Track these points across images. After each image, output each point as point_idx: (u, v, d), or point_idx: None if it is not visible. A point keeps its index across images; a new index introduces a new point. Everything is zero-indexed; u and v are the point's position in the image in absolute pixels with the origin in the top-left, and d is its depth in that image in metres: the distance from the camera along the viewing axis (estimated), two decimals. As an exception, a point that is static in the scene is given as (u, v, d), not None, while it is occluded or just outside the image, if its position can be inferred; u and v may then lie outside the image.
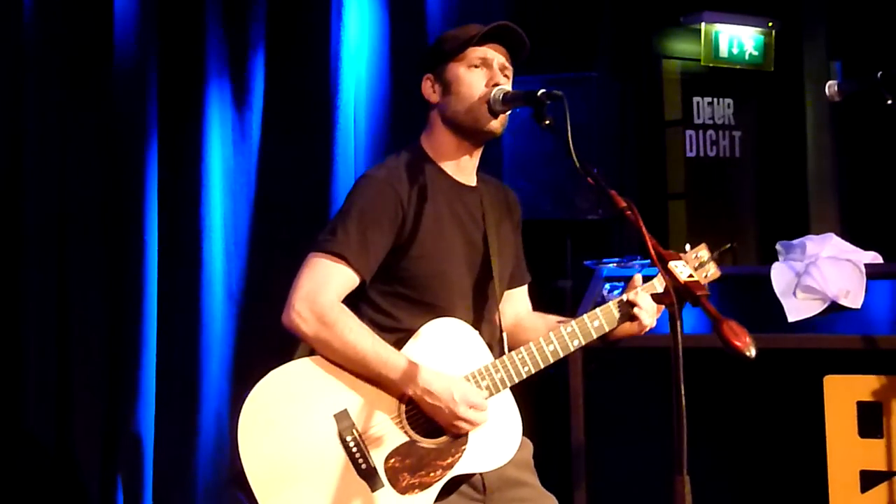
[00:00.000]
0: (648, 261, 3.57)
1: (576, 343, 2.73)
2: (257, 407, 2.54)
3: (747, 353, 1.99)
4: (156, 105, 4.30)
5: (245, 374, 2.61)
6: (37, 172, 4.08)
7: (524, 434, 2.73)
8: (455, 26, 2.89)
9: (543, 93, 2.55)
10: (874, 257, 3.85)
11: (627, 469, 3.80)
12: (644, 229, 2.21)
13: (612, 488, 3.83)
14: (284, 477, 2.51)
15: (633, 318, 2.76)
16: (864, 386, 3.54)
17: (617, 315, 2.77)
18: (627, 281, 2.89)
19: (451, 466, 2.62)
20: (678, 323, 2.07)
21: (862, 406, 3.54)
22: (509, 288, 2.93)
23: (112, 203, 4.23)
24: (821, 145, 6.86)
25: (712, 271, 2.94)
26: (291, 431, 2.55)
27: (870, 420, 3.53)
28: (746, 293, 3.79)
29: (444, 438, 2.63)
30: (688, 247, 2.93)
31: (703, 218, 6.95)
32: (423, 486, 2.59)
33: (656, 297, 2.79)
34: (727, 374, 3.57)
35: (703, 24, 6.53)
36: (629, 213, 2.29)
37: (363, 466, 2.55)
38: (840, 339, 3.62)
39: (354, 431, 2.57)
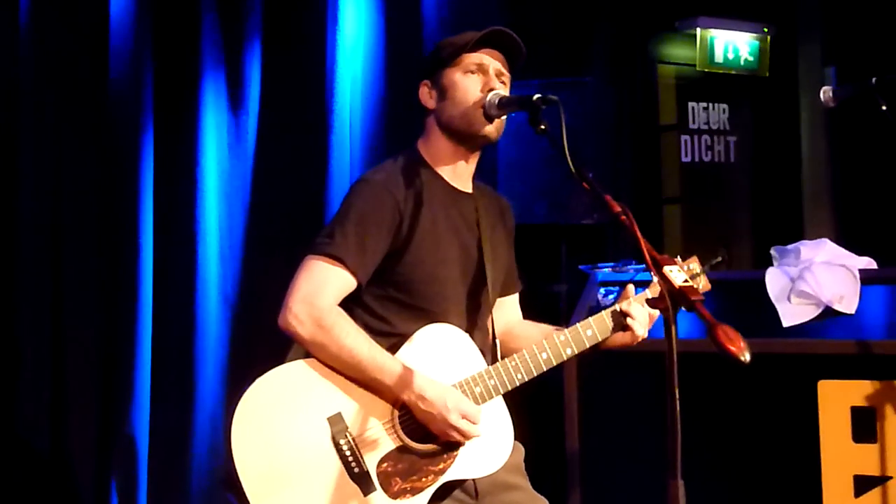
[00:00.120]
0: (643, 265, 3.57)
1: (568, 351, 2.74)
2: (251, 409, 2.54)
3: (742, 358, 1.99)
4: (151, 108, 4.31)
5: (240, 377, 2.60)
6: (32, 175, 4.08)
7: (516, 438, 2.74)
8: (451, 30, 2.90)
9: (539, 97, 2.55)
10: (868, 263, 3.86)
11: (622, 473, 3.80)
12: (639, 234, 2.21)
13: (607, 493, 3.83)
14: (277, 479, 2.51)
15: (626, 327, 2.78)
16: (857, 391, 3.54)
17: (610, 325, 2.79)
18: (622, 285, 2.89)
19: (442, 472, 2.62)
20: (673, 327, 2.07)
21: (856, 411, 3.54)
22: (501, 296, 2.94)
23: (107, 206, 4.23)
24: (815, 151, 6.87)
25: (703, 283, 2.95)
26: (284, 433, 2.54)
27: (863, 425, 3.53)
28: (741, 298, 3.79)
29: (436, 444, 2.63)
30: (679, 259, 2.93)
31: (698, 223, 6.96)
32: (415, 492, 2.60)
33: (651, 302, 2.80)
34: (722, 379, 3.58)
35: (698, 29, 6.54)
36: (624, 217, 2.29)
37: (356, 470, 2.55)
38: (834, 345, 3.63)
39: (348, 435, 2.57)
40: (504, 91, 2.75)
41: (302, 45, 4.64)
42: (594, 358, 2.84)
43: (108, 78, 4.23)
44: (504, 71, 2.78)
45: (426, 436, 2.63)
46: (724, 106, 7.03)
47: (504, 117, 2.75)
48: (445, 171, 2.80)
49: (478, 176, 2.89)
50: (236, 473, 2.49)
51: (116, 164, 4.25)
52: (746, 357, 2.00)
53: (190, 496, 4.35)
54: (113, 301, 4.24)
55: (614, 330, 2.79)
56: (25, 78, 4.08)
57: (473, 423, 2.61)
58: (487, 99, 2.69)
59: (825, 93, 3.37)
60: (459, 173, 2.82)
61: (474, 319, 2.80)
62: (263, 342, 2.71)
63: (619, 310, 2.79)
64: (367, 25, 4.76)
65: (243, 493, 2.49)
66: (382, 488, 2.57)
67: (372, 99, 4.75)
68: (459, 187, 2.82)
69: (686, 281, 2.14)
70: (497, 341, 2.80)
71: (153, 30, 4.32)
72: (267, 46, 4.56)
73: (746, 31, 6.72)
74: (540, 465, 3.02)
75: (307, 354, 2.62)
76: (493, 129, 2.73)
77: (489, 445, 2.67)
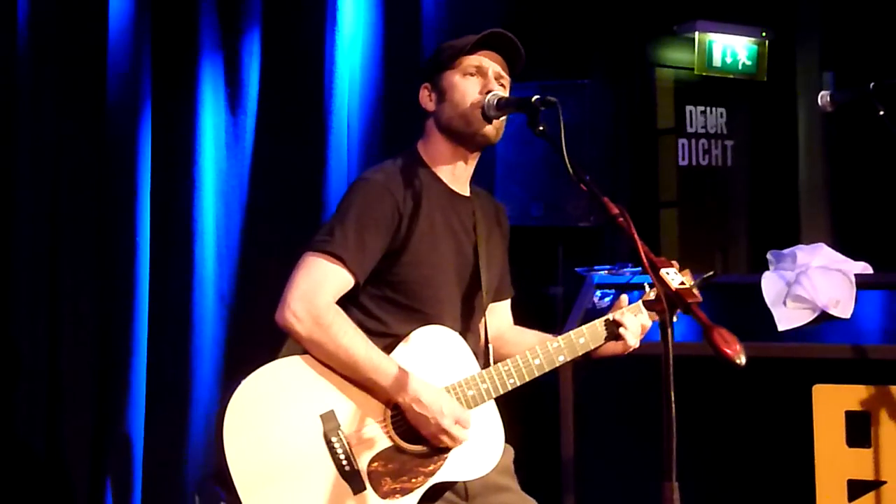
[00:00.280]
0: (640, 268, 3.58)
1: (561, 358, 2.76)
2: (244, 403, 2.54)
3: (737, 361, 2.00)
4: (149, 107, 4.31)
5: (235, 377, 2.60)
6: (29, 174, 4.08)
7: (509, 441, 2.75)
8: (450, 31, 2.91)
9: (537, 99, 2.56)
10: (864, 267, 3.86)
11: (616, 476, 3.80)
12: (636, 236, 2.22)
13: (602, 495, 3.83)
14: (267, 474, 2.51)
15: (618, 337, 2.79)
16: (852, 395, 3.55)
17: (603, 333, 2.80)
18: (618, 288, 2.91)
19: (432, 474, 2.63)
20: (669, 330, 2.08)
21: (850, 415, 3.55)
22: (494, 301, 2.95)
23: (104, 204, 4.23)
24: (812, 155, 6.88)
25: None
26: (277, 429, 2.55)
27: (858, 429, 3.53)
28: (737, 302, 3.80)
29: (427, 446, 2.63)
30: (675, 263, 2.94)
31: (695, 226, 6.97)
32: (405, 492, 2.60)
33: (648, 304, 2.81)
34: (717, 382, 3.58)
35: (696, 33, 6.55)
36: (621, 219, 2.30)
37: (347, 468, 2.56)
38: (829, 349, 3.63)
39: (340, 433, 2.57)
40: (503, 93, 2.75)
41: (301, 47, 4.64)
42: (589, 361, 2.85)
43: (106, 76, 4.23)
44: (503, 73, 2.79)
45: (418, 437, 2.63)
46: (722, 110, 7.04)
47: (504, 120, 2.76)
48: (444, 174, 2.81)
49: (475, 177, 2.90)
50: (227, 467, 2.49)
51: (114, 164, 4.25)
52: (742, 360, 2.00)
53: (185, 496, 4.35)
54: (109, 300, 4.24)
55: (607, 339, 2.81)
56: (23, 76, 4.08)
57: (465, 429, 2.61)
58: (486, 100, 2.70)
59: (823, 97, 3.37)
60: (458, 176, 2.83)
61: (468, 323, 2.80)
62: (259, 341, 2.71)
63: (612, 319, 2.80)
64: (365, 26, 4.77)
65: (233, 487, 2.49)
66: (372, 488, 2.57)
67: (370, 99, 4.75)
68: (458, 190, 2.83)
69: (682, 283, 2.15)
70: (490, 345, 2.80)
71: (152, 28, 4.32)
72: (265, 47, 4.57)
73: (745, 36, 6.73)
74: (534, 467, 3.03)
75: (301, 351, 2.63)
76: (492, 130, 2.74)
77: (480, 448, 2.68)
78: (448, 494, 2.70)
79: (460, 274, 2.79)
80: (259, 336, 2.78)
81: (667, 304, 2.12)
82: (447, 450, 2.64)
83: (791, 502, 3.61)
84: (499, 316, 3.00)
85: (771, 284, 3.79)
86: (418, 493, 2.62)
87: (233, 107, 4.53)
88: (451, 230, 2.78)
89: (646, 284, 2.88)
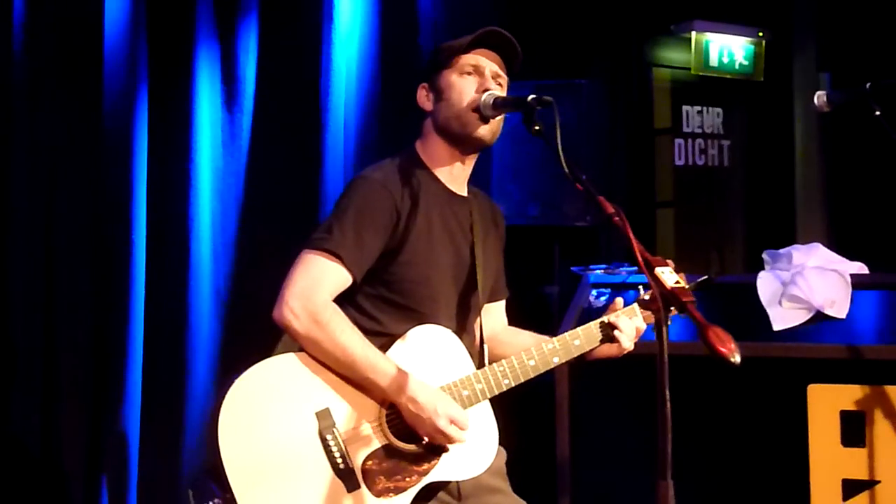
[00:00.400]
0: (636, 267, 3.58)
1: (556, 360, 2.76)
2: (239, 400, 2.54)
3: (732, 360, 2.01)
4: (146, 104, 4.30)
5: (231, 374, 2.60)
6: (25, 172, 4.07)
7: (505, 442, 2.76)
8: (446, 30, 2.91)
9: (533, 98, 2.56)
10: (860, 268, 3.87)
11: (612, 474, 3.80)
12: (632, 235, 2.22)
13: (597, 493, 3.84)
14: (262, 470, 2.51)
15: (613, 339, 2.79)
16: (847, 395, 3.55)
17: (598, 335, 2.80)
18: (614, 287, 2.91)
19: (426, 473, 2.63)
20: (664, 329, 2.08)
21: (845, 415, 3.55)
22: (489, 301, 2.95)
23: (100, 202, 4.22)
24: (809, 156, 6.90)
25: None
26: (272, 426, 2.55)
27: (852, 429, 3.54)
28: (732, 301, 3.80)
29: (421, 446, 2.63)
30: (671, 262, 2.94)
31: (691, 226, 6.98)
32: (398, 491, 2.60)
33: (643, 303, 2.82)
34: (712, 382, 3.59)
35: (693, 33, 6.56)
36: (617, 219, 2.30)
37: (341, 466, 2.56)
38: (824, 349, 3.64)
39: (335, 431, 2.57)
40: (500, 92, 2.75)
41: (297, 42, 4.63)
42: (583, 362, 2.85)
43: (103, 73, 4.22)
44: (500, 72, 2.79)
45: (412, 436, 2.63)
46: (719, 110, 7.05)
47: (501, 121, 2.76)
48: (442, 174, 2.81)
49: (472, 177, 2.90)
50: (222, 464, 2.50)
51: (109, 161, 4.24)
52: (737, 359, 2.01)
53: (181, 493, 4.35)
54: (105, 298, 4.23)
55: (602, 341, 2.81)
56: (18, 76, 4.07)
57: (461, 429, 2.61)
58: (482, 99, 2.70)
59: (819, 98, 3.38)
60: (456, 176, 2.83)
61: (463, 323, 2.81)
62: (255, 339, 2.71)
63: (607, 321, 2.80)
64: (362, 24, 4.76)
65: (227, 483, 2.49)
66: (366, 486, 2.57)
67: (366, 97, 4.75)
68: (456, 190, 2.83)
69: (678, 283, 2.16)
70: (485, 346, 2.81)
71: (148, 25, 4.31)
72: (262, 44, 4.56)
73: (742, 36, 6.74)
74: (530, 468, 3.03)
75: (296, 348, 2.63)
76: (487, 132, 2.74)
77: (474, 449, 2.68)
78: (441, 494, 2.70)
79: (456, 274, 2.80)
80: (255, 333, 2.77)
81: (662, 302, 2.12)
82: (441, 449, 2.64)
83: (786, 501, 3.62)
84: (493, 316, 3.01)
85: (767, 284, 3.80)
86: (412, 493, 2.62)
87: (229, 104, 4.52)
88: (449, 230, 2.79)
89: (640, 286, 2.88)
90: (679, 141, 6.89)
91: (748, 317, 3.77)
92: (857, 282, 3.75)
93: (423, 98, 2.82)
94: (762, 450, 3.66)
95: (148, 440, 4.29)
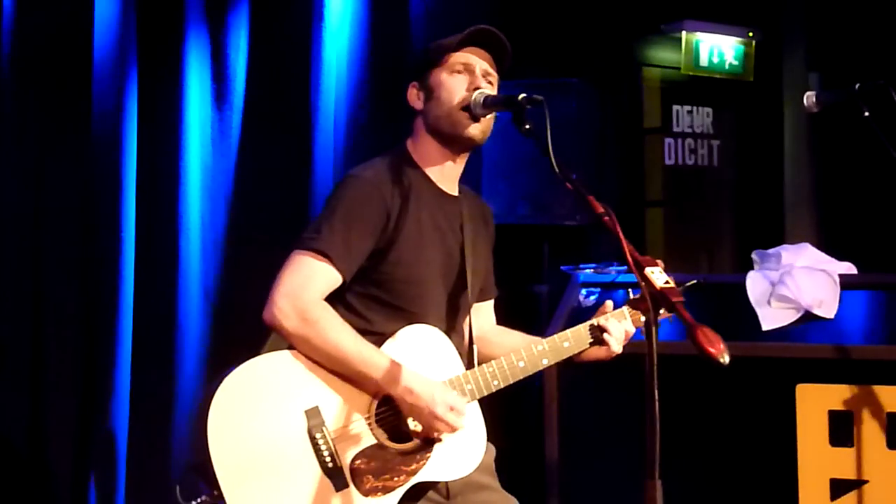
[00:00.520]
0: (625, 266, 3.59)
1: (545, 362, 2.76)
2: (228, 397, 2.53)
3: (721, 360, 2.01)
4: (135, 102, 4.30)
5: (219, 372, 2.60)
6: (13, 171, 4.06)
7: (492, 440, 2.76)
8: (437, 29, 2.90)
9: (524, 97, 2.56)
10: (848, 268, 3.88)
11: (600, 474, 3.81)
12: (621, 235, 2.22)
13: (585, 493, 3.84)
14: (250, 468, 2.51)
15: (603, 342, 2.80)
16: (835, 395, 3.56)
17: (587, 338, 2.81)
18: (603, 286, 2.92)
19: (414, 473, 2.63)
20: (653, 329, 2.09)
21: (833, 415, 3.56)
22: (478, 301, 2.95)
23: (89, 199, 4.22)
24: (798, 156, 6.90)
25: None
26: (261, 424, 2.54)
27: (841, 429, 3.55)
28: (721, 301, 3.81)
29: (410, 444, 2.64)
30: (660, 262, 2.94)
31: (681, 226, 6.98)
32: (386, 490, 2.60)
33: (632, 303, 2.82)
34: (701, 381, 3.59)
35: (683, 32, 6.56)
36: (607, 218, 2.30)
37: (330, 465, 2.56)
38: (813, 349, 3.65)
39: (324, 429, 2.57)
40: (490, 90, 2.75)
41: (288, 43, 4.63)
42: (572, 364, 2.86)
43: (92, 71, 4.22)
44: (491, 71, 2.79)
45: (402, 435, 2.64)
46: (709, 110, 7.05)
47: (492, 120, 2.76)
48: (433, 173, 2.80)
49: (461, 176, 2.89)
50: (210, 461, 2.49)
51: (99, 159, 4.24)
52: (726, 359, 2.01)
53: (169, 490, 4.34)
54: (94, 295, 4.23)
55: (591, 344, 2.81)
56: (5, 74, 4.06)
57: (459, 416, 2.61)
58: (472, 98, 2.70)
59: (808, 98, 3.39)
60: (447, 175, 2.82)
61: (452, 322, 2.81)
62: (244, 337, 2.70)
63: (596, 324, 2.81)
64: (352, 22, 4.76)
65: (215, 481, 2.48)
66: (355, 485, 2.57)
67: (357, 96, 4.75)
68: (446, 190, 2.83)
69: (667, 282, 2.16)
70: (474, 346, 2.80)
71: (137, 22, 4.30)
72: (252, 42, 4.56)
73: (732, 36, 6.74)
74: (518, 467, 3.03)
75: (286, 346, 2.62)
76: (478, 131, 2.74)
77: (462, 448, 2.68)
78: (430, 493, 2.70)
79: (446, 274, 2.80)
80: (244, 332, 2.77)
81: (651, 302, 2.13)
82: (430, 449, 2.64)
83: (774, 501, 3.63)
84: (482, 316, 3.01)
85: (755, 284, 3.81)
86: (399, 492, 2.62)
87: (219, 102, 4.52)
88: (439, 230, 2.78)
89: (629, 288, 2.88)
90: (669, 140, 6.89)
91: (737, 316, 3.78)
92: (846, 282, 3.76)
93: (414, 97, 2.82)
94: (750, 449, 3.67)
95: (136, 438, 4.29)
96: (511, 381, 2.72)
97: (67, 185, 4.18)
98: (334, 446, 2.57)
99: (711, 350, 2.01)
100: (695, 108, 6.99)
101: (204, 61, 4.48)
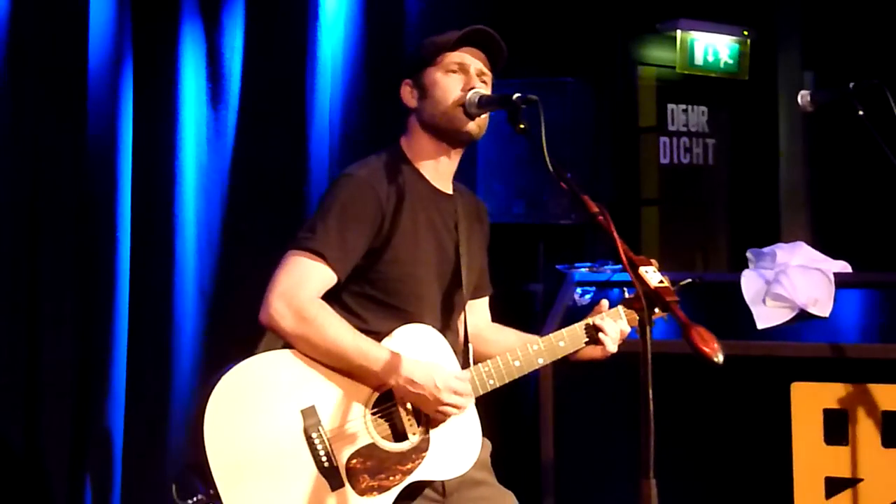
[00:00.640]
0: (620, 265, 3.59)
1: (540, 361, 2.77)
2: (225, 397, 2.53)
3: (715, 359, 2.01)
4: (130, 100, 4.29)
5: (215, 372, 2.60)
6: (9, 169, 4.05)
7: (485, 435, 2.76)
8: (432, 27, 2.90)
9: (518, 97, 2.56)
10: (843, 266, 3.89)
11: (596, 472, 3.81)
12: (615, 235, 2.22)
13: (581, 492, 3.84)
14: (246, 468, 2.51)
15: (598, 341, 2.80)
16: (830, 393, 3.57)
17: (583, 337, 2.81)
18: (598, 285, 2.92)
19: (409, 472, 2.63)
20: (647, 328, 2.09)
21: (828, 413, 3.57)
22: (472, 298, 2.94)
23: (84, 199, 4.21)
24: (793, 154, 6.91)
25: None
26: (258, 424, 2.54)
27: (835, 427, 3.56)
28: (716, 300, 3.81)
29: (406, 444, 2.64)
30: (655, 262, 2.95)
31: (676, 224, 7.00)
32: (382, 490, 2.61)
33: (627, 302, 2.83)
34: (696, 380, 3.60)
35: (678, 31, 6.57)
36: (601, 218, 2.30)
37: (325, 465, 2.56)
38: (808, 347, 3.66)
39: (320, 429, 2.57)
40: (485, 90, 2.75)
41: (283, 41, 4.63)
42: (567, 364, 2.86)
43: (87, 69, 4.20)
44: (485, 70, 2.79)
45: (397, 434, 2.64)
46: (704, 108, 7.06)
47: (486, 116, 2.76)
48: (428, 171, 2.80)
49: (457, 175, 2.89)
50: (207, 461, 2.49)
51: (94, 158, 4.22)
52: (720, 358, 2.02)
53: (165, 490, 4.33)
54: (89, 295, 4.22)
55: (587, 343, 2.82)
56: (1, 71, 4.05)
57: (464, 397, 2.62)
58: (467, 97, 2.70)
59: (803, 97, 3.39)
60: (441, 173, 2.82)
61: (447, 321, 2.81)
62: (240, 336, 2.70)
63: (592, 323, 2.81)
64: (348, 21, 4.76)
65: (212, 480, 2.48)
66: (350, 484, 2.57)
67: (352, 94, 4.75)
68: (441, 187, 2.83)
69: (661, 282, 2.16)
70: (469, 344, 2.81)
71: (133, 20, 4.29)
72: (249, 43, 4.55)
73: (727, 34, 6.75)
74: (513, 461, 3.03)
75: (282, 346, 2.62)
76: (475, 127, 2.74)
77: (458, 447, 2.69)
78: (426, 491, 2.70)
79: (441, 272, 2.80)
80: (239, 331, 2.77)
81: (645, 302, 2.13)
82: (425, 448, 2.65)
83: (769, 499, 3.63)
84: (477, 313, 3.01)
85: (750, 283, 3.81)
86: (395, 491, 2.62)
87: (214, 101, 4.51)
88: (434, 228, 2.78)
89: (624, 287, 2.89)
90: (664, 139, 6.90)
91: (732, 315, 3.78)
92: (841, 280, 3.77)
93: (407, 94, 2.81)
94: (745, 448, 3.67)
95: (132, 437, 4.28)
96: (507, 381, 2.73)
97: (63, 185, 4.17)
98: (330, 446, 2.57)
99: (706, 349, 2.01)
100: (690, 107, 7.00)
101: (199, 61, 4.47)
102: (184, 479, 2.57)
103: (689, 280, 2.95)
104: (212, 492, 2.49)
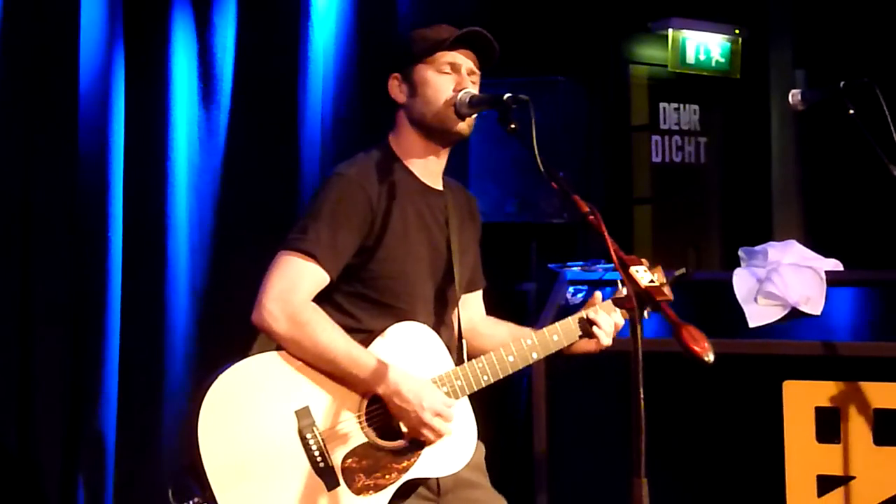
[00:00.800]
0: (612, 265, 3.60)
1: (534, 355, 2.77)
2: (219, 399, 2.53)
3: (705, 359, 2.01)
4: (122, 101, 4.28)
5: (208, 372, 2.60)
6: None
7: (482, 437, 2.76)
8: (424, 26, 2.88)
9: (509, 97, 2.56)
10: (835, 265, 3.89)
11: (587, 471, 3.81)
12: (606, 234, 2.23)
13: (573, 490, 3.85)
14: (242, 470, 2.51)
15: (592, 335, 2.80)
16: (822, 392, 3.58)
17: (576, 331, 2.81)
18: (591, 284, 2.92)
19: (405, 470, 2.63)
20: (638, 327, 2.09)
21: (820, 411, 3.58)
22: (466, 292, 2.94)
23: (76, 200, 4.20)
24: (785, 153, 6.93)
25: (666, 293, 2.96)
26: (252, 425, 2.54)
27: (827, 425, 3.57)
28: (708, 298, 3.82)
29: (401, 442, 2.64)
30: (646, 261, 2.95)
31: (668, 223, 7.01)
32: (378, 488, 2.60)
33: (618, 302, 2.83)
34: (688, 379, 3.60)
35: (670, 30, 6.58)
36: (592, 217, 2.31)
37: (321, 465, 2.56)
38: (800, 346, 3.66)
39: (315, 429, 2.57)
40: (475, 90, 2.75)
41: (275, 41, 4.62)
42: (561, 356, 2.86)
43: (78, 69, 4.19)
44: (475, 69, 2.78)
45: (392, 434, 2.64)
46: (696, 107, 7.08)
47: (475, 115, 2.76)
48: (417, 167, 2.80)
49: (449, 174, 2.89)
50: (201, 463, 2.49)
51: (85, 158, 4.22)
52: (710, 358, 2.02)
53: (157, 492, 4.33)
54: (82, 296, 4.21)
55: (580, 337, 2.82)
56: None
57: (447, 421, 2.62)
58: (458, 98, 2.69)
59: (794, 96, 3.39)
60: (431, 169, 2.82)
61: (441, 316, 2.81)
62: (233, 337, 2.70)
63: (585, 317, 2.81)
64: (340, 20, 4.76)
65: (207, 482, 2.48)
66: (346, 484, 2.57)
67: (344, 95, 4.75)
68: (430, 184, 2.82)
69: (652, 281, 2.16)
70: (463, 340, 2.81)
71: (124, 21, 4.29)
72: (241, 42, 4.55)
73: (718, 33, 6.76)
74: (506, 461, 3.04)
75: (274, 347, 2.62)
76: (464, 126, 2.74)
77: (453, 445, 2.69)
78: (421, 490, 2.70)
79: (433, 268, 2.79)
80: (232, 331, 2.76)
81: (636, 301, 2.13)
82: (421, 446, 2.64)
83: (761, 497, 3.64)
84: (471, 307, 3.00)
85: (742, 281, 3.81)
86: (391, 490, 2.62)
87: (206, 102, 4.51)
88: (424, 225, 2.78)
89: (618, 282, 2.89)
90: (656, 138, 6.91)
91: (724, 313, 3.79)
92: (832, 279, 3.78)
93: (396, 89, 2.80)
94: (738, 446, 3.68)
95: (124, 438, 4.28)
96: (501, 376, 2.73)
97: (55, 185, 4.16)
98: (325, 446, 2.57)
99: (696, 349, 2.01)
100: (682, 106, 7.01)
101: (191, 61, 4.47)
102: (180, 481, 2.57)
103: (683, 270, 2.95)
104: (207, 494, 2.48)
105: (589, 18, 5.90)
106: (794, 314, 3.74)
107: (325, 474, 2.56)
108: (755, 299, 3.77)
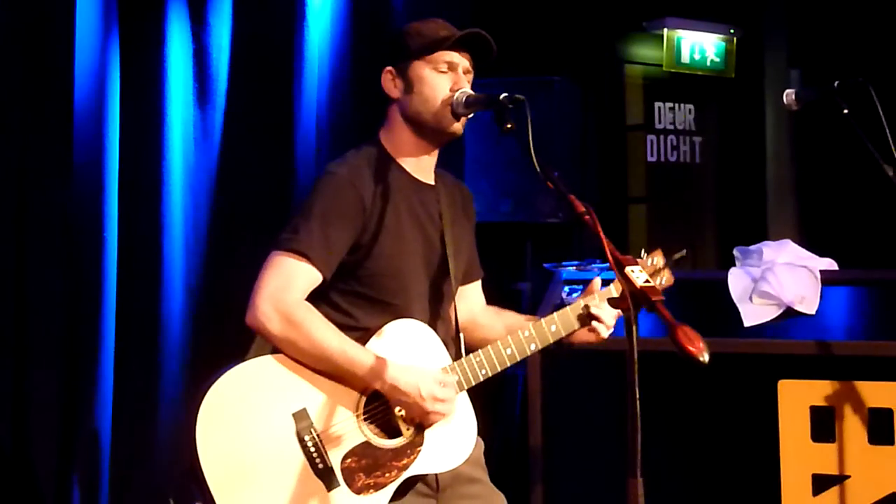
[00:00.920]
0: (607, 264, 3.60)
1: (532, 347, 2.76)
2: (217, 403, 2.53)
3: (700, 359, 2.02)
4: (117, 101, 4.28)
5: (204, 371, 2.59)
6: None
7: (478, 433, 2.76)
8: (419, 21, 2.87)
9: (505, 97, 2.56)
10: (830, 264, 3.90)
11: (583, 471, 3.82)
12: (602, 234, 2.23)
13: (568, 489, 3.85)
14: (241, 474, 2.51)
15: (591, 327, 2.79)
16: (817, 391, 3.58)
17: (574, 321, 2.80)
18: (586, 284, 2.91)
19: (405, 467, 2.64)
20: (633, 327, 2.09)
21: (815, 410, 3.58)
22: (463, 283, 2.94)
23: (71, 200, 4.20)
24: (779, 152, 6.94)
25: (667, 277, 2.97)
26: (250, 429, 2.54)
27: (822, 424, 3.57)
28: (703, 298, 3.82)
29: (400, 440, 2.64)
30: (643, 253, 2.95)
31: (663, 222, 7.02)
32: (378, 487, 2.61)
33: (613, 302, 2.80)
34: (683, 378, 3.60)
35: (665, 30, 6.59)
36: (587, 217, 2.31)
37: (320, 466, 2.56)
38: (794, 345, 3.67)
39: (312, 431, 2.57)
40: (470, 89, 2.75)
41: (270, 41, 4.62)
42: (557, 355, 2.86)
43: (73, 69, 4.19)
44: (470, 68, 2.78)
45: (391, 431, 2.64)
46: (690, 106, 7.09)
47: (470, 114, 2.75)
48: (408, 163, 2.79)
49: (440, 169, 2.89)
50: (200, 468, 2.49)
51: (80, 157, 4.21)
52: (705, 357, 2.02)
53: (152, 494, 4.33)
54: (77, 296, 4.21)
55: (579, 326, 2.81)
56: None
57: (447, 403, 2.62)
58: (455, 97, 2.69)
59: (788, 95, 3.39)
60: (423, 165, 2.81)
61: (438, 311, 2.80)
62: (228, 337, 2.70)
63: (583, 306, 2.80)
64: (335, 19, 4.76)
65: (207, 487, 2.48)
66: (346, 484, 2.57)
67: (339, 94, 4.75)
68: (422, 179, 2.82)
69: (647, 281, 2.16)
70: (461, 334, 2.80)
71: (119, 20, 4.28)
72: (235, 41, 4.55)
73: (713, 33, 6.78)
74: (502, 459, 3.04)
75: (271, 350, 2.62)
76: (459, 126, 2.74)
77: (453, 440, 2.69)
78: (419, 486, 2.70)
79: (428, 263, 2.79)
80: (228, 332, 2.77)
81: (632, 301, 2.13)
82: (420, 443, 2.65)
83: (756, 496, 3.64)
84: (470, 299, 3.00)
85: (737, 280, 3.82)
86: (392, 487, 2.62)
87: (201, 101, 4.51)
88: (417, 220, 2.78)
89: (611, 282, 2.89)
90: (651, 137, 6.92)
91: (719, 313, 3.79)
92: (827, 278, 3.78)
93: (389, 83, 2.79)
94: (733, 445, 3.68)
95: (120, 440, 4.27)
96: (499, 369, 2.72)
97: (50, 184, 4.16)
98: (324, 447, 2.57)
99: (691, 349, 2.02)
100: (677, 105, 7.02)
101: (186, 60, 4.46)
102: (181, 486, 2.57)
103: (683, 252, 2.95)
104: (207, 498, 2.48)
105: (584, 18, 5.90)
106: (789, 313, 3.74)
107: (325, 475, 2.56)
108: (750, 298, 3.77)
